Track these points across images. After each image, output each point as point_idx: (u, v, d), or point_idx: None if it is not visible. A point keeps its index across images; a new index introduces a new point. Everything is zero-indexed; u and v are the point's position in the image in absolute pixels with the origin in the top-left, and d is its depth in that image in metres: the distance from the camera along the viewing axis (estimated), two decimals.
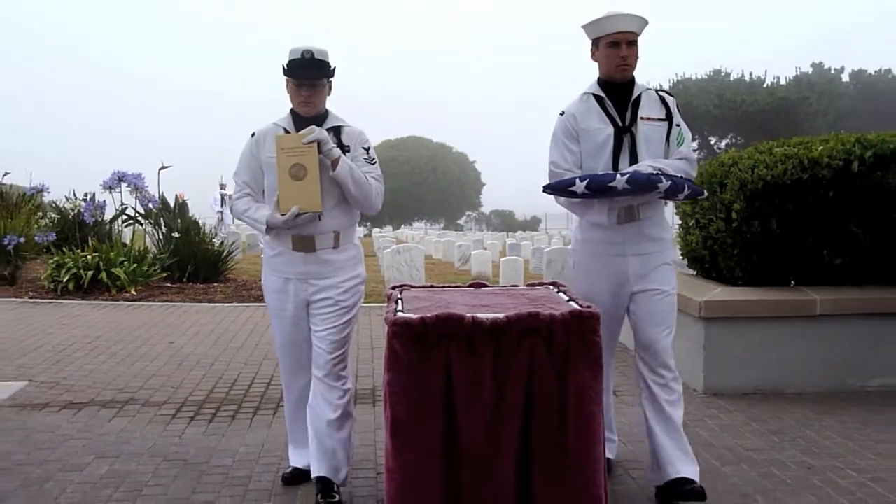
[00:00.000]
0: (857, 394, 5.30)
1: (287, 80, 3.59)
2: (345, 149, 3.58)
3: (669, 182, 3.44)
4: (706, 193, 3.74)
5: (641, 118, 3.61)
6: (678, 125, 3.67)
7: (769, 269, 5.49)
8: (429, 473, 3.05)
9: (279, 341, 3.80)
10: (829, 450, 4.29)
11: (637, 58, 3.63)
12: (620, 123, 3.61)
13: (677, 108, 3.70)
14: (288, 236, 3.58)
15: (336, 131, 3.60)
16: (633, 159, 3.58)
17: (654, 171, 3.47)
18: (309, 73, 3.54)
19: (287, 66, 3.56)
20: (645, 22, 3.62)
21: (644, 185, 3.44)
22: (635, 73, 3.69)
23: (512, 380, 3.06)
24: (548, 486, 3.09)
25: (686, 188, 3.53)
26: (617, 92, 3.64)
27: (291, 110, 3.67)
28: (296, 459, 3.92)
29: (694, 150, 4.10)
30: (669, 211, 4.04)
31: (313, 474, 3.63)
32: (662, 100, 3.68)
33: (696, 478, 3.54)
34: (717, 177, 5.71)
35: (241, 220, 3.76)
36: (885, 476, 3.93)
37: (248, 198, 3.69)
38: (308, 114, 3.59)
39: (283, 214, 3.47)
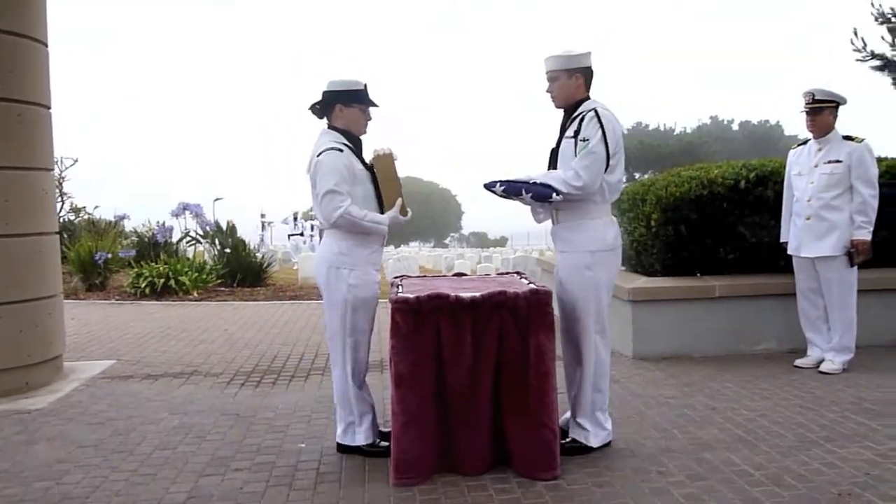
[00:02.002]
0: (748, 356, 5.33)
1: (353, 106, 3.36)
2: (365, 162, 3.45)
3: (531, 192, 3.29)
4: (555, 196, 3.25)
5: (564, 137, 3.39)
6: (583, 140, 3.26)
7: (680, 263, 5.53)
8: (424, 413, 3.07)
9: (365, 329, 3.38)
10: (728, 396, 4.32)
11: (561, 90, 3.40)
12: (555, 143, 3.48)
13: (601, 125, 3.25)
14: (385, 234, 3.40)
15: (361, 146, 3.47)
16: None
17: (529, 181, 3.31)
18: (374, 101, 3.41)
19: (358, 94, 3.35)
20: (564, 59, 3.37)
21: (514, 192, 3.34)
22: (594, 97, 3.42)
23: (486, 342, 3.07)
24: (514, 421, 3.10)
25: (551, 194, 3.25)
26: (565, 115, 3.45)
27: (339, 130, 3.38)
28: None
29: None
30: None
31: (370, 441, 3.43)
32: (583, 119, 3.30)
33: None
34: (640, 194, 5.77)
35: (356, 223, 3.26)
36: (769, 413, 3.97)
37: (354, 205, 3.28)
38: (363, 134, 3.45)
39: (405, 215, 3.40)
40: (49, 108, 5.05)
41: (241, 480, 3.19)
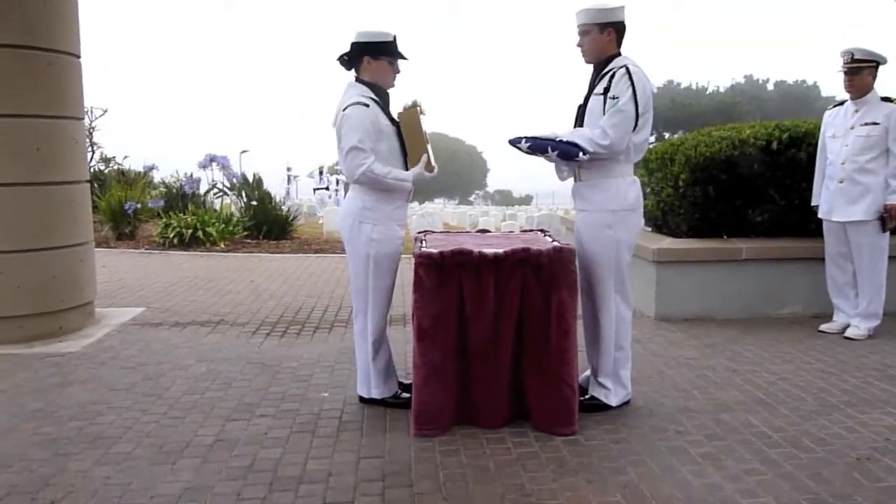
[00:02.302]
0: (772, 319, 5.29)
1: (381, 58, 3.30)
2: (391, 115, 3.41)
3: (557, 151, 3.24)
4: (581, 156, 3.21)
5: (593, 94, 3.32)
6: (612, 97, 3.19)
7: (707, 224, 5.45)
8: (446, 367, 3.11)
9: (387, 285, 3.38)
10: (749, 359, 4.31)
11: (592, 44, 3.32)
12: (583, 99, 3.40)
13: (631, 83, 3.18)
14: (409, 190, 3.38)
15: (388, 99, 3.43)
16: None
17: (555, 139, 3.25)
18: (403, 54, 3.35)
19: (386, 46, 3.28)
20: (595, 12, 3.29)
21: (540, 149, 3.29)
22: (625, 54, 3.33)
23: (508, 298, 3.09)
24: (535, 377, 3.14)
25: (577, 153, 3.21)
26: (594, 71, 3.39)
27: (366, 83, 3.32)
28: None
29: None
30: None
31: (391, 393, 3.49)
32: (613, 76, 3.24)
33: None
34: (668, 154, 5.67)
35: (379, 180, 3.24)
36: (790, 377, 3.96)
37: (377, 162, 3.24)
38: (391, 87, 3.40)
39: (431, 171, 3.35)
40: (79, 56, 5.07)
41: (265, 426, 3.28)
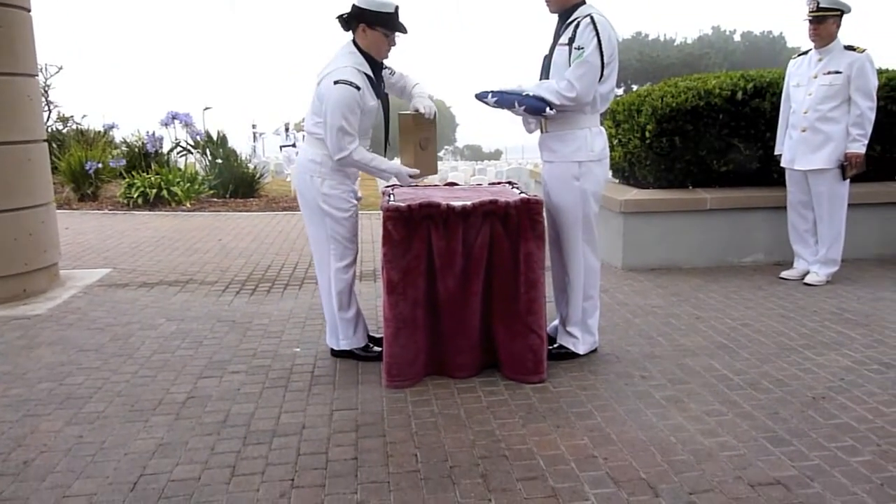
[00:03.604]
0: (735, 267, 5.42)
1: (376, 28, 3.16)
2: (383, 81, 3.38)
3: (524, 105, 3.23)
4: (549, 111, 3.22)
5: (558, 44, 3.28)
6: (577, 48, 3.16)
7: (673, 175, 5.52)
8: (416, 319, 3.14)
9: (345, 236, 3.36)
10: (713, 306, 4.42)
11: None
12: (548, 50, 3.38)
13: (596, 33, 3.14)
14: (387, 179, 3.39)
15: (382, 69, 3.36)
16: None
17: (522, 93, 3.24)
18: (402, 27, 3.21)
19: (385, 17, 3.13)
20: None
21: (507, 104, 3.28)
22: (590, 2, 3.31)
23: (476, 249, 3.12)
24: (503, 326, 3.19)
25: (544, 108, 3.22)
26: (559, 21, 3.35)
27: (362, 51, 3.22)
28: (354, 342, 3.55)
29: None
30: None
31: (360, 344, 3.55)
32: (578, 25, 3.20)
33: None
34: (635, 105, 5.68)
35: (360, 167, 3.25)
36: (752, 322, 4.08)
37: (362, 147, 3.22)
38: (384, 59, 3.30)
39: (414, 177, 3.32)
40: (28, 10, 4.88)
41: (238, 382, 3.30)
